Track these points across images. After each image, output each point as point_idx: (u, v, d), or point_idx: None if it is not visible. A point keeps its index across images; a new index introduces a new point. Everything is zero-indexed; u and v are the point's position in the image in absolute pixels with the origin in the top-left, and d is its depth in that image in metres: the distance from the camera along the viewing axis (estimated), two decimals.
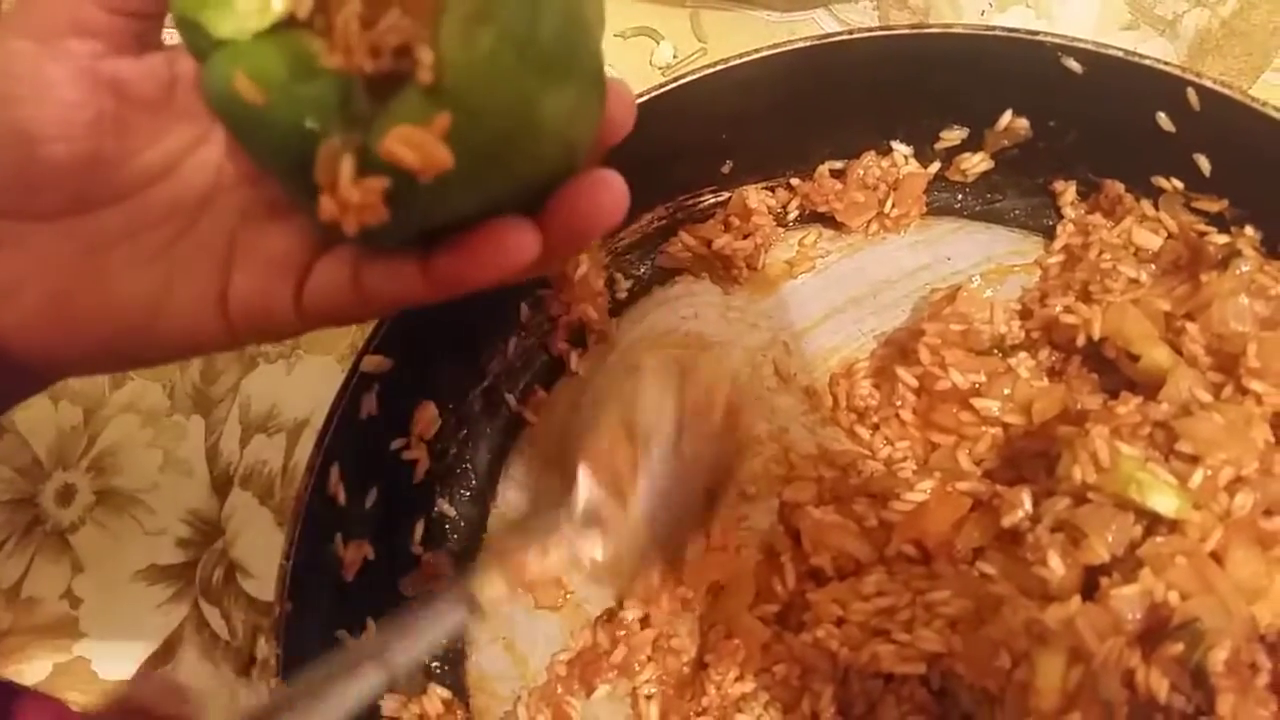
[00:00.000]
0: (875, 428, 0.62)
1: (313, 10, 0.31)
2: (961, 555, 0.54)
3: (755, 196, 0.70)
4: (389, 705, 0.58)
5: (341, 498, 0.58)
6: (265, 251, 0.39)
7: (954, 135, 0.68)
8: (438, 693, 0.60)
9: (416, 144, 0.30)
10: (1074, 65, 0.62)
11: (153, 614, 0.68)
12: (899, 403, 0.61)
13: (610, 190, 0.36)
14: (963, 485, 0.57)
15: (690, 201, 0.71)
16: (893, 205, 0.69)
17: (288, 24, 0.32)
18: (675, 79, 0.64)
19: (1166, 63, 0.60)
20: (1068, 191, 0.67)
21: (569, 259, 0.43)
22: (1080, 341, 0.59)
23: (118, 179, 0.38)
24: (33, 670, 0.67)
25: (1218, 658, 0.44)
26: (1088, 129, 0.65)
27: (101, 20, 0.36)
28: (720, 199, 0.71)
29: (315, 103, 0.31)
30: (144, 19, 0.36)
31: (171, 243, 0.40)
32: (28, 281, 0.38)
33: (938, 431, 0.60)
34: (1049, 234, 0.67)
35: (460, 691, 0.61)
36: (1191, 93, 0.60)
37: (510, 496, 0.66)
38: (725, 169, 0.70)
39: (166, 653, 0.67)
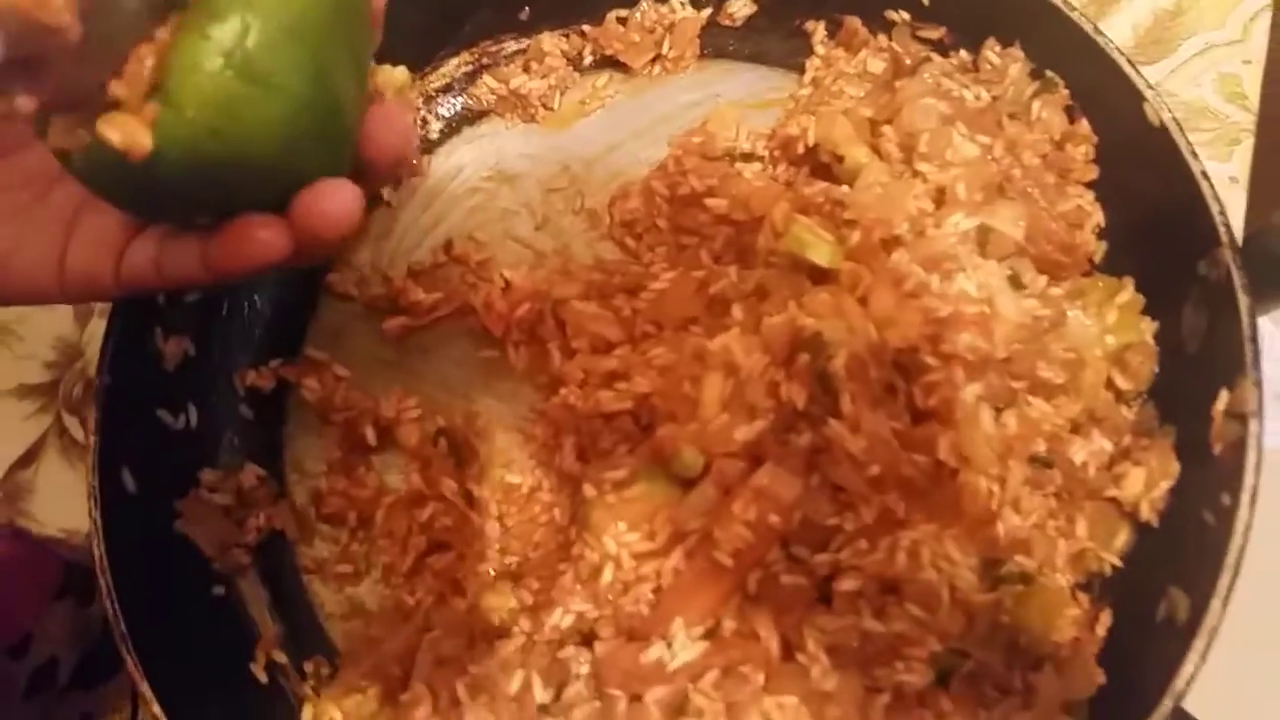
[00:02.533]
0: (639, 237, 0.71)
1: None
2: (680, 323, 0.62)
3: (551, 42, 0.78)
4: (207, 477, 0.67)
5: (160, 297, 0.66)
6: (97, 229, 0.46)
7: None
8: (254, 469, 0.68)
9: (122, 128, 0.37)
10: None
11: (20, 425, 0.77)
12: (656, 213, 0.70)
13: (334, 200, 0.42)
14: (697, 274, 0.65)
15: (494, 48, 0.79)
16: (670, 47, 0.77)
17: None
18: None
19: None
20: (818, 31, 0.75)
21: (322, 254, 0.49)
22: (801, 150, 0.67)
23: None
24: None
25: (838, 364, 0.52)
26: None
27: None
28: (521, 46, 0.79)
29: None
30: None
31: (27, 207, 0.47)
32: None
33: (685, 234, 0.68)
34: (804, 71, 0.75)
35: (276, 472, 0.69)
36: None
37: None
38: (524, 16, 0.78)
39: (31, 456, 0.76)
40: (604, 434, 0.60)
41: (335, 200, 0.42)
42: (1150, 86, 0.61)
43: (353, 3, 0.43)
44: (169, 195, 0.41)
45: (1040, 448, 0.57)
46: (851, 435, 0.52)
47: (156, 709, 0.55)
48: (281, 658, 0.64)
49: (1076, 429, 0.59)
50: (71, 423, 0.76)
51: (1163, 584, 0.55)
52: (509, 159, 0.77)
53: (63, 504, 0.74)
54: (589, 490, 0.56)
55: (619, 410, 0.59)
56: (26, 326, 0.80)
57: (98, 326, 0.79)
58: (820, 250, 0.56)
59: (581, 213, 0.75)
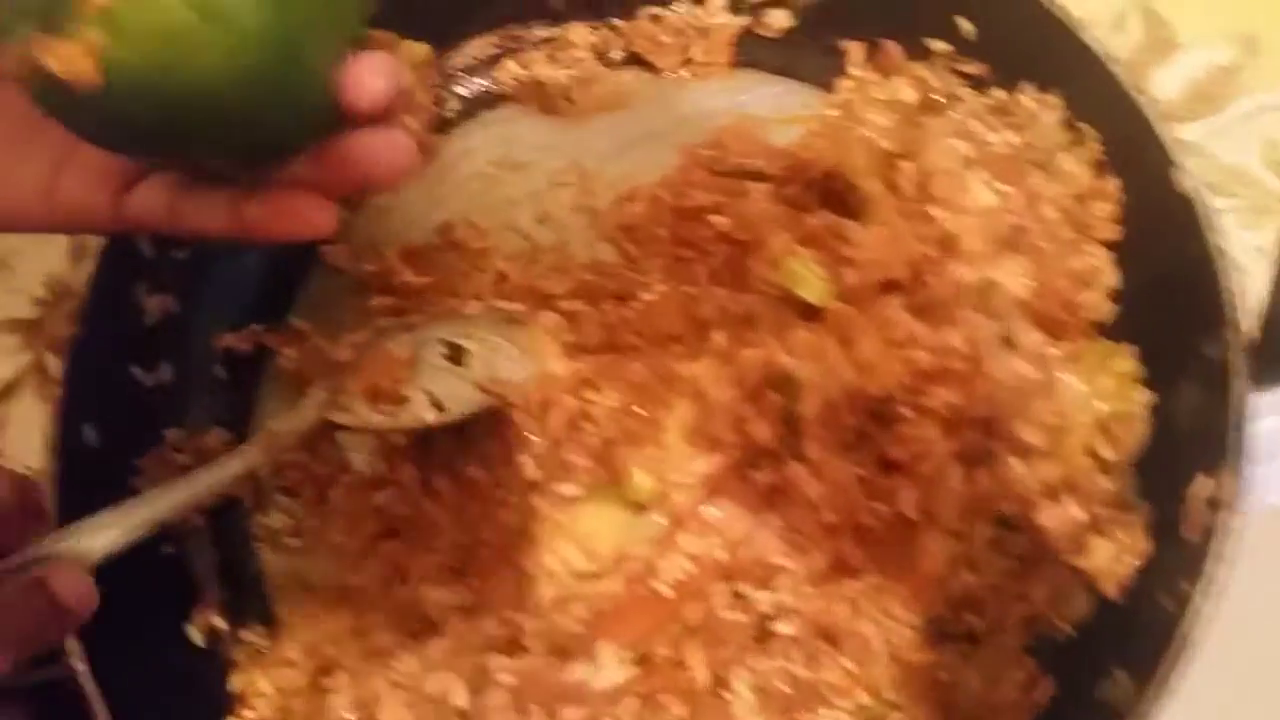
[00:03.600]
0: (639, 243, 0.69)
1: None
2: (663, 341, 0.61)
3: (580, 33, 0.76)
4: (173, 436, 0.66)
5: (148, 251, 0.66)
6: (93, 160, 0.45)
7: None
8: (219, 433, 0.67)
9: (63, 56, 0.35)
10: None
11: (2, 359, 0.76)
12: (658, 221, 0.68)
13: (388, 148, 0.41)
14: (688, 290, 0.63)
15: (521, 33, 0.77)
16: (702, 52, 0.75)
17: None
18: None
19: None
20: (854, 51, 0.72)
21: None
22: (815, 175, 0.65)
23: None
24: None
25: (809, 408, 0.50)
26: None
27: None
28: (549, 33, 0.77)
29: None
30: None
31: (15, 134, 0.46)
32: None
33: (684, 247, 0.66)
34: (834, 90, 0.73)
35: (243, 437, 0.68)
36: None
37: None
38: (556, 4, 0.76)
39: (8, 391, 0.75)
40: (567, 444, 0.58)
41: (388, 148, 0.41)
42: (1182, 153, 0.59)
43: None
44: (129, 128, 0.39)
45: (1009, 509, 0.55)
46: (813, 480, 0.50)
47: (76, 660, 0.54)
48: (220, 623, 0.64)
49: (1050, 493, 0.56)
50: (52, 362, 0.76)
51: (1109, 661, 0.53)
52: (521, 148, 0.76)
53: (33, 442, 0.73)
54: (538, 502, 0.54)
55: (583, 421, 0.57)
56: (20, 259, 0.79)
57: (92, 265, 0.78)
58: (812, 287, 0.54)
59: (585, 211, 0.73)
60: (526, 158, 0.75)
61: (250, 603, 0.65)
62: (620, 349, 0.64)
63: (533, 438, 0.60)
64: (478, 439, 0.65)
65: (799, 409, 0.51)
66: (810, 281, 0.55)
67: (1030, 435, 0.54)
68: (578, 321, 0.65)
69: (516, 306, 0.66)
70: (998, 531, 0.54)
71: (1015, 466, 0.55)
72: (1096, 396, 0.58)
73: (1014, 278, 0.56)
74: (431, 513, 0.62)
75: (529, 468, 0.60)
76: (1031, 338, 0.55)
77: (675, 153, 0.73)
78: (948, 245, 0.58)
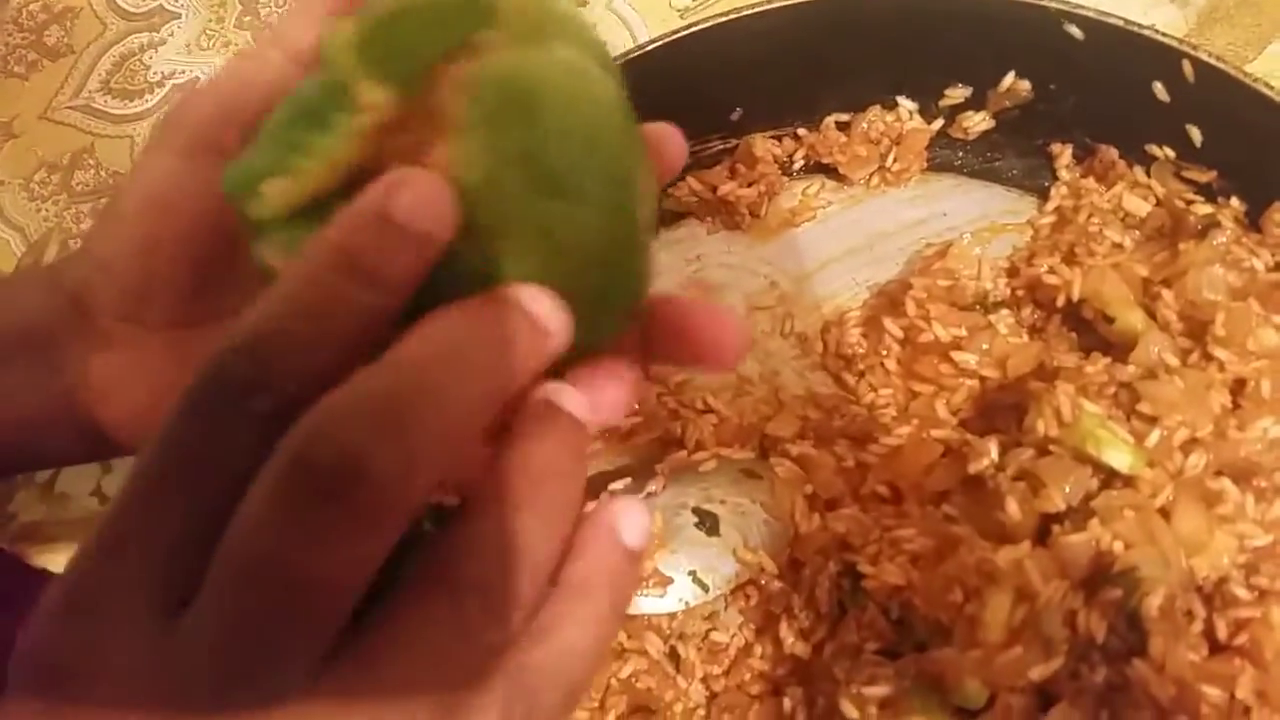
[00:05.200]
0: (861, 375, 0.65)
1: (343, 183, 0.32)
2: (928, 497, 0.57)
3: (762, 145, 0.72)
4: None
5: None
6: None
7: (958, 94, 0.70)
8: None
9: None
10: (1075, 31, 0.64)
11: None
12: (884, 352, 0.64)
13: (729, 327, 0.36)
14: (937, 433, 0.59)
15: (699, 148, 0.73)
16: (894, 159, 0.71)
17: (321, 201, 0.32)
18: (692, 24, 0.67)
19: (1164, 34, 0.62)
20: (1064, 154, 0.69)
21: None
22: (1060, 301, 0.61)
23: (222, 300, 0.42)
24: (62, 560, 0.71)
25: (1152, 604, 0.47)
26: (1086, 94, 0.67)
27: (238, 145, 0.38)
28: (728, 146, 0.73)
29: None
30: None
31: None
32: (132, 382, 0.42)
33: (918, 381, 0.63)
34: (1043, 195, 0.69)
35: None
36: (1187, 64, 0.62)
37: None
38: (734, 117, 0.72)
39: None
40: (848, 625, 0.54)
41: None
42: None
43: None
44: None
45: None
46: (1157, 678, 0.46)
47: None
48: None
49: None
50: None
51: None
52: (710, 267, 0.72)
53: None
54: (850, 711, 0.50)
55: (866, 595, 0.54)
56: None
57: None
58: (1120, 455, 0.50)
59: (790, 336, 0.69)
60: (717, 278, 0.72)
61: None
62: (864, 501, 0.60)
63: (798, 612, 0.57)
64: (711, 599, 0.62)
65: (1144, 607, 0.47)
66: (1118, 447, 0.51)
67: None
68: (811, 469, 0.61)
69: (748, 455, 0.62)
70: None
71: None
72: None
73: None
74: (683, 686, 0.58)
75: (795, 645, 0.57)
76: None
77: (877, 267, 0.70)
78: (1239, 391, 0.54)
